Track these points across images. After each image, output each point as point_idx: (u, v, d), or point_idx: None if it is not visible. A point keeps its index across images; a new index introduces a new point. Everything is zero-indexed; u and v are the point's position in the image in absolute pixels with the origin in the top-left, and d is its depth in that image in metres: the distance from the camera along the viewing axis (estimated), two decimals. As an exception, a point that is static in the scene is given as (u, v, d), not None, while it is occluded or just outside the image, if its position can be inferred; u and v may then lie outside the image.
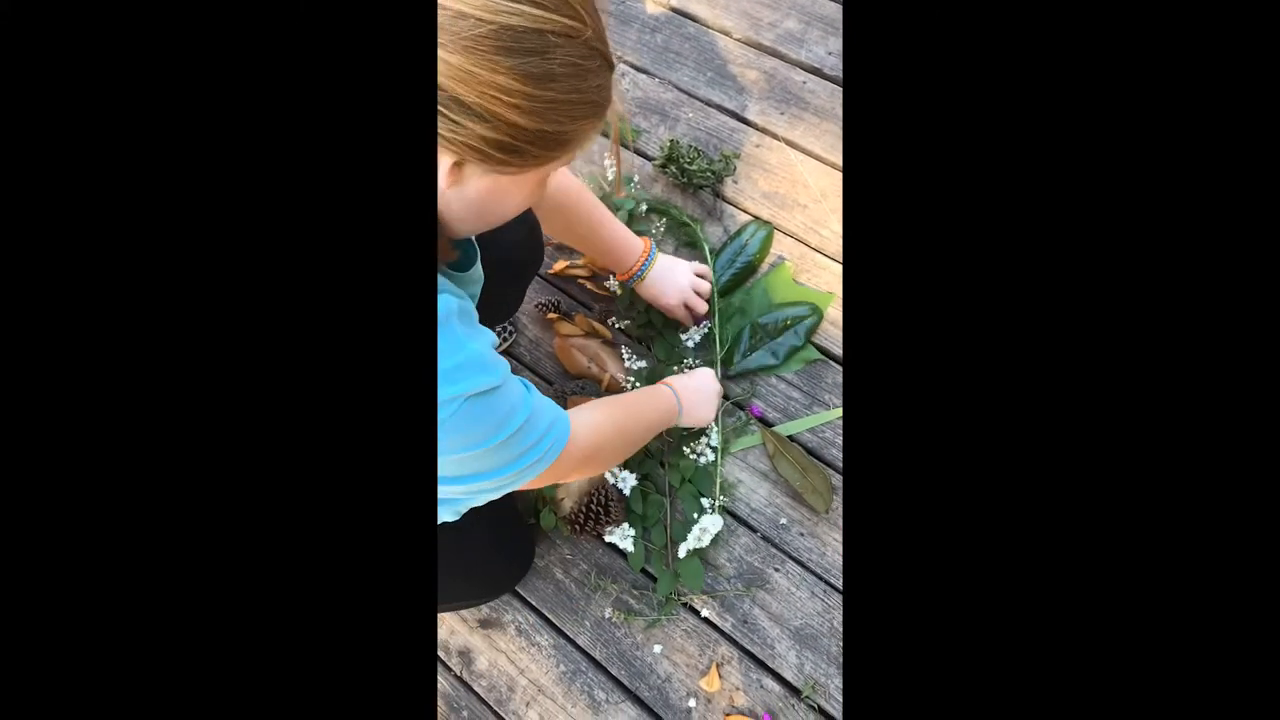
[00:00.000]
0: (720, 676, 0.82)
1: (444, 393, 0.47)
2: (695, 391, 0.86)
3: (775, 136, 1.06)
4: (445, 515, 0.65)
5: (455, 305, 0.49)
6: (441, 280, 0.51)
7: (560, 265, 1.01)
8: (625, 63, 1.14)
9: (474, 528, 0.80)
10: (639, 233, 1.01)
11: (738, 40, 1.14)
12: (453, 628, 0.88)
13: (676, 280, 0.94)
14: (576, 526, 0.87)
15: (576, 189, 0.84)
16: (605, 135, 1.03)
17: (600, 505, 0.87)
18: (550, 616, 0.88)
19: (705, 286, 0.95)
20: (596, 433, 0.67)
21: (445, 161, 0.43)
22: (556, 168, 0.49)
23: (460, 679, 0.87)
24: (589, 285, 1.01)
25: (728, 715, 0.81)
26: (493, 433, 0.52)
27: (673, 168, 1.02)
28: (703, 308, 0.95)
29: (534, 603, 0.88)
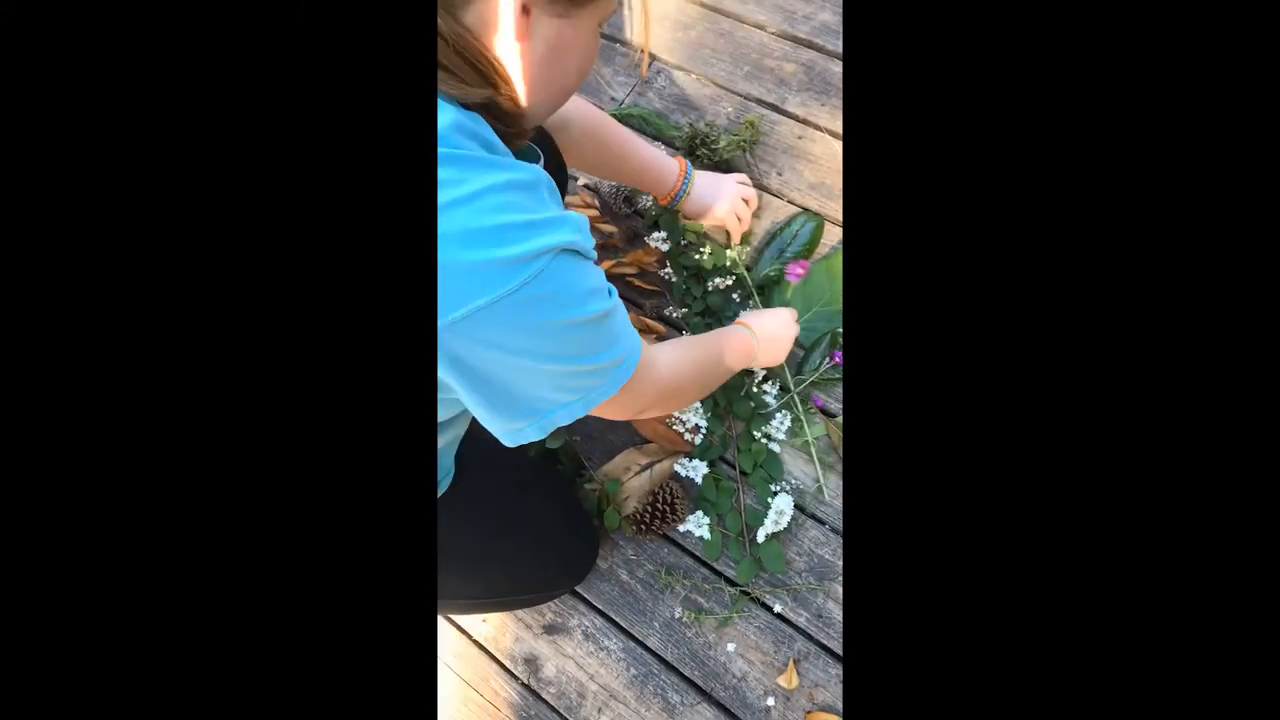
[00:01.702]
0: (798, 673, 0.80)
1: (535, 244, 0.42)
2: (773, 339, 0.84)
3: (818, 128, 1.05)
4: (531, 432, 0.52)
5: (545, 177, 0.47)
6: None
7: (606, 265, 1.00)
8: (660, 60, 1.14)
9: (542, 509, 0.80)
10: (679, 227, 1.00)
11: (773, 34, 1.13)
12: (517, 635, 0.86)
13: (723, 189, 0.95)
14: (642, 526, 0.86)
15: (602, 116, 0.85)
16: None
17: (666, 504, 0.85)
18: (617, 619, 0.86)
19: (751, 193, 0.98)
20: (676, 368, 0.66)
21: (513, 5, 0.43)
22: (608, 7, 0.49)
23: (528, 687, 0.84)
24: (637, 283, 1.00)
25: (809, 713, 0.79)
26: (576, 303, 0.46)
27: (702, 151, 1.01)
28: (749, 215, 0.97)
29: (600, 606, 0.86)
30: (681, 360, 0.68)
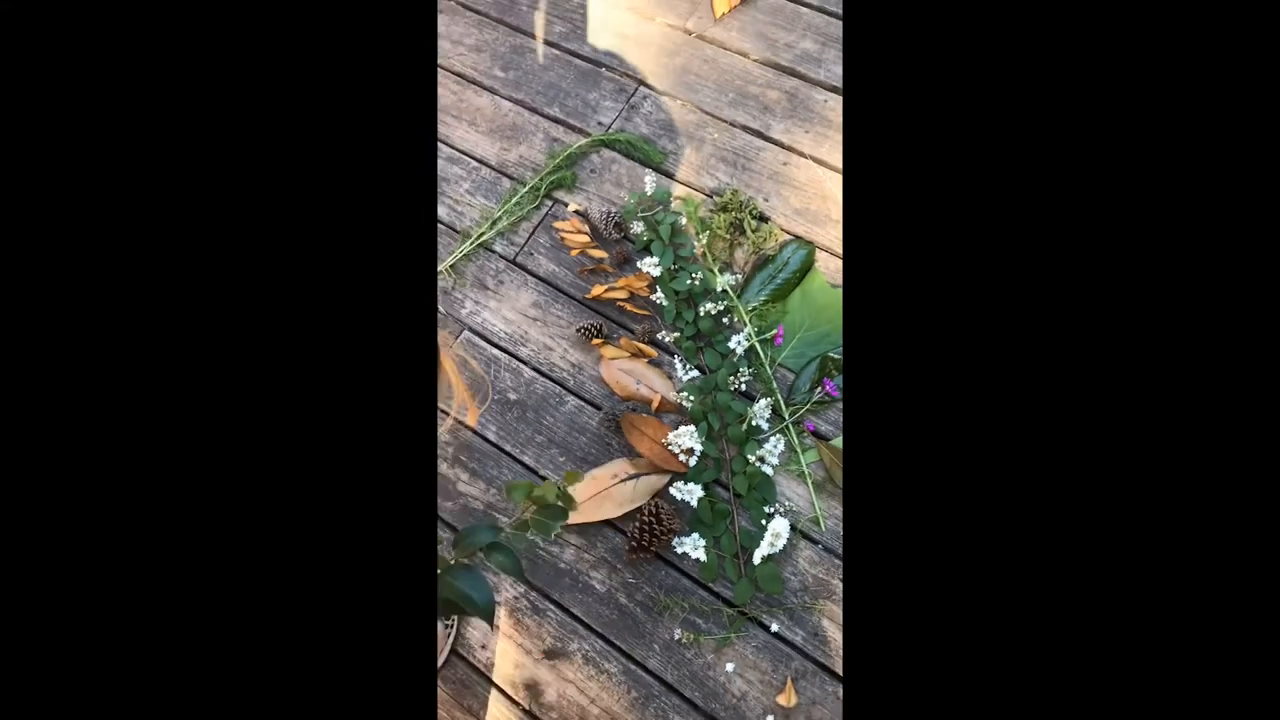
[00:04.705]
0: (796, 691, 0.83)
1: None
2: None
3: (801, 154, 1.08)
4: None
5: None
6: None
7: (598, 289, 1.01)
8: (646, 86, 1.16)
9: None
10: (679, 245, 1.02)
11: (756, 61, 1.16)
12: (517, 660, 0.87)
13: None
14: (634, 546, 0.87)
15: None
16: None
17: (651, 515, 0.87)
18: (617, 642, 0.87)
19: None
20: None
21: None
22: None
23: (530, 713, 0.85)
24: (628, 306, 1.01)
25: (807, 730, 0.81)
26: None
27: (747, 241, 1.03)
28: None
29: (599, 629, 0.88)
30: None
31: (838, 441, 0.92)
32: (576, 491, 0.92)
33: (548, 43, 1.22)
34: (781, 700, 0.82)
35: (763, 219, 1.05)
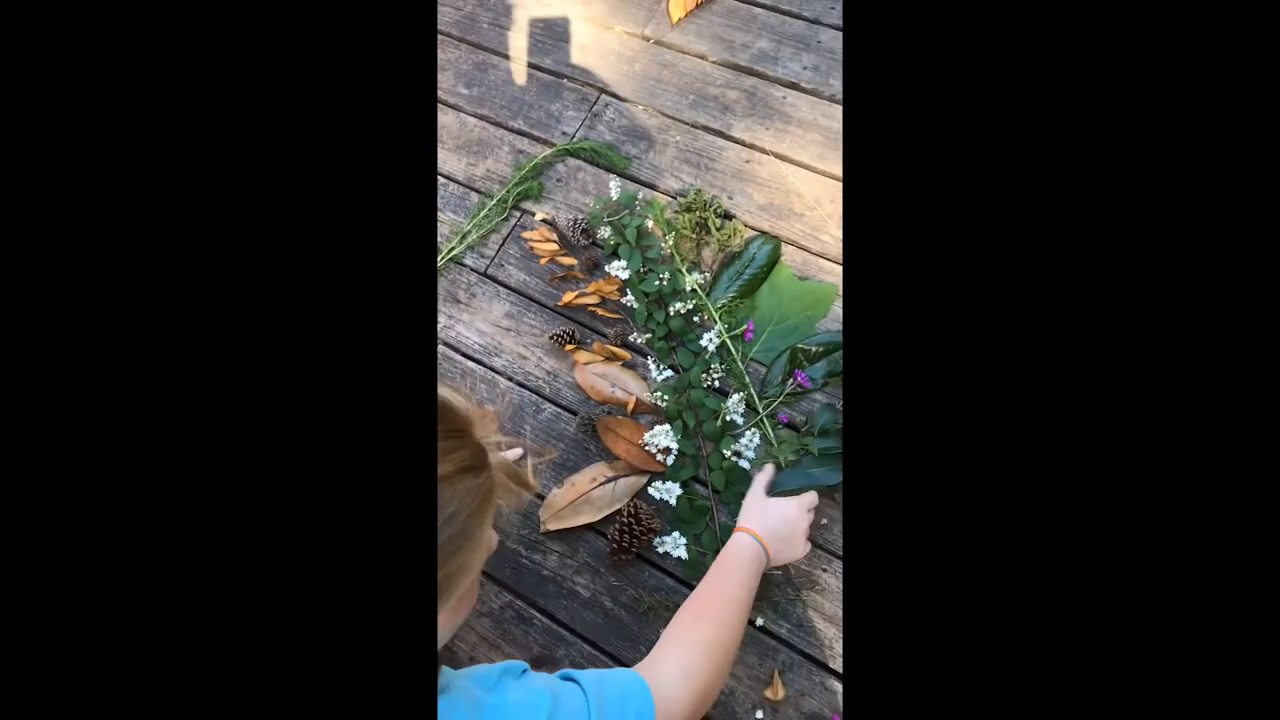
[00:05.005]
0: (784, 684, 0.82)
1: None
2: (781, 540, 0.78)
3: (764, 151, 1.09)
4: None
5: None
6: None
7: (569, 296, 1.02)
8: (607, 93, 1.17)
9: None
10: (646, 247, 1.02)
11: (714, 63, 1.17)
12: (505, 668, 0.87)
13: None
14: (615, 548, 0.87)
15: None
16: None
17: (631, 516, 0.87)
18: (605, 646, 0.87)
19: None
20: (693, 676, 0.62)
21: None
22: (468, 589, 0.51)
23: (520, 721, 0.85)
24: (601, 311, 1.02)
25: (797, 722, 0.81)
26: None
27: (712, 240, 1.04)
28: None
29: (586, 634, 0.87)
30: (694, 663, 0.63)
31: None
32: (556, 499, 0.92)
33: (505, 55, 1.23)
34: (769, 694, 0.82)
35: (727, 216, 1.06)
